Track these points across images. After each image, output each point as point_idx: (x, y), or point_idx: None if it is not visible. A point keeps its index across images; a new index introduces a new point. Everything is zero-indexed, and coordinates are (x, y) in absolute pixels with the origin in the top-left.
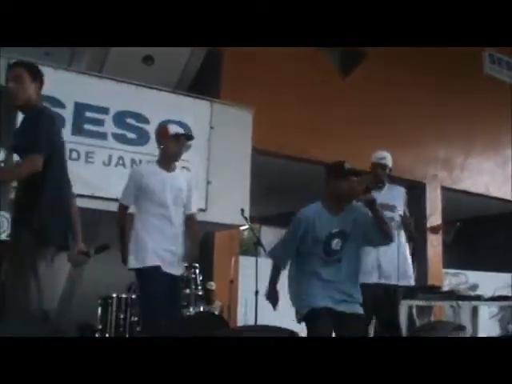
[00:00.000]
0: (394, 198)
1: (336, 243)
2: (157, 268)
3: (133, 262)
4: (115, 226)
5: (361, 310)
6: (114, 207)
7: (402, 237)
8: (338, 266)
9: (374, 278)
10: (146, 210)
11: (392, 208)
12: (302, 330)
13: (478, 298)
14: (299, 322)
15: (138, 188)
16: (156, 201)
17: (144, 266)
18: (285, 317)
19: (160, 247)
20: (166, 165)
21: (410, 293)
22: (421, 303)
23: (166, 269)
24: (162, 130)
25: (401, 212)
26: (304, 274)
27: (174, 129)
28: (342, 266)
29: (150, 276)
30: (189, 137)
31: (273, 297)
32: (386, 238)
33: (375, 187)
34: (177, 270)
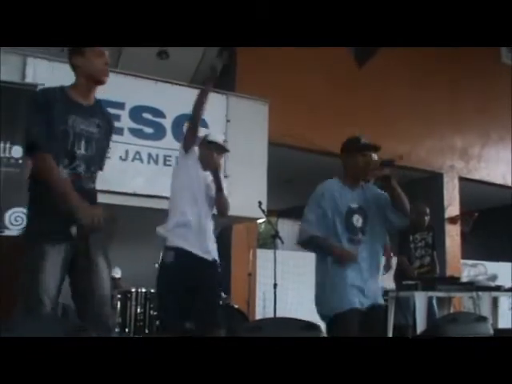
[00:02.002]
0: None
1: (356, 220)
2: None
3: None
4: None
5: (381, 300)
6: (131, 202)
7: None
8: (362, 247)
9: None
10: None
11: None
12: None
13: (498, 288)
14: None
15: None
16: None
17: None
18: (304, 310)
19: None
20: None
21: (429, 284)
22: (440, 294)
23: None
24: (202, 136)
25: None
26: (330, 262)
27: (212, 137)
28: (366, 247)
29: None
30: (222, 149)
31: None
32: (404, 217)
33: (391, 164)
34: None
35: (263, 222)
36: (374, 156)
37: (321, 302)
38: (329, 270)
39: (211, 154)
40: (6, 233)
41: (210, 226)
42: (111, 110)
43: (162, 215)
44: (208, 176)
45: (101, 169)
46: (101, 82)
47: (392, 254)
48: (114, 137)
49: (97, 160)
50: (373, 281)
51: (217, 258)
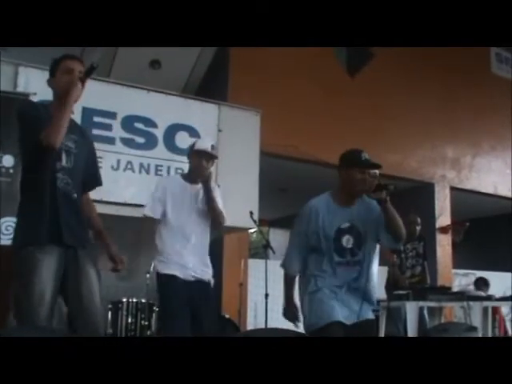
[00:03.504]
0: None
1: (347, 240)
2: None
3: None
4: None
5: (371, 315)
6: (123, 212)
7: None
8: (351, 269)
9: None
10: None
11: None
12: None
13: (489, 298)
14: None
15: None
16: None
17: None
18: None
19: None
20: (190, 178)
21: (420, 294)
22: (431, 304)
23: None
24: (191, 145)
25: None
26: (314, 285)
27: (200, 145)
28: (355, 269)
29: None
30: (210, 157)
31: (291, 313)
32: (397, 240)
33: (387, 188)
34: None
35: (254, 231)
36: (374, 173)
37: (302, 320)
38: (311, 286)
39: (201, 163)
40: None
41: (202, 242)
42: (103, 120)
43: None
44: (197, 189)
45: (96, 183)
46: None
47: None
48: (106, 146)
49: (78, 173)
50: (362, 299)
51: (211, 277)
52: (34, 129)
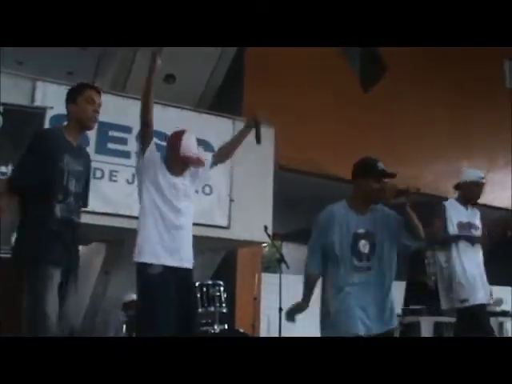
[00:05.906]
0: (476, 217)
1: (363, 245)
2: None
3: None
4: None
5: (393, 323)
6: (136, 225)
7: (480, 253)
8: (369, 274)
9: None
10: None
11: (477, 228)
12: None
13: (505, 313)
14: None
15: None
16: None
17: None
18: (309, 334)
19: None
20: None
21: (435, 309)
22: (447, 320)
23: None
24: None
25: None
26: (335, 289)
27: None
28: (372, 275)
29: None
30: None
31: (295, 312)
32: (418, 239)
33: (406, 192)
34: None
35: (268, 245)
36: (392, 183)
37: (323, 330)
38: (331, 296)
39: None
40: None
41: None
42: (119, 134)
43: None
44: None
45: (85, 205)
46: (88, 128)
47: None
48: (121, 160)
49: (83, 196)
50: (380, 305)
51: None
52: (39, 157)
